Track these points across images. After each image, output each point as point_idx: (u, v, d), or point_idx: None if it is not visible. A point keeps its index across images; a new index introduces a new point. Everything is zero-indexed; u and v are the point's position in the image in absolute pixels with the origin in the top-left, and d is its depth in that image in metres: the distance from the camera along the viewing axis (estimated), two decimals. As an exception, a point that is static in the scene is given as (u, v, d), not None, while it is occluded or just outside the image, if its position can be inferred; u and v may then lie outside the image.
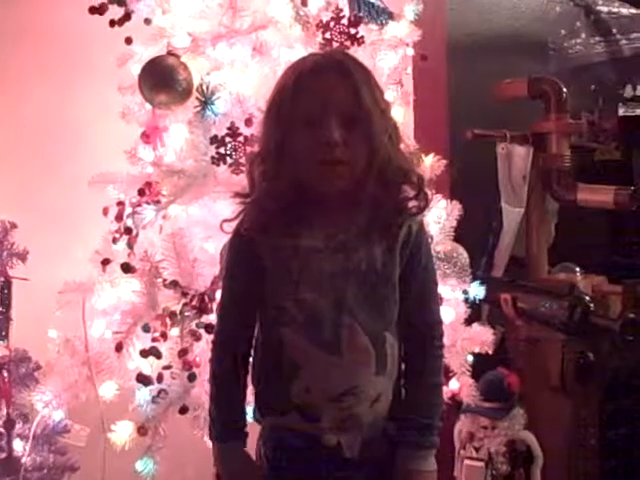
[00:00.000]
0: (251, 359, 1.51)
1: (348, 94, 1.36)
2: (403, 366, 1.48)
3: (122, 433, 1.87)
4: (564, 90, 2.81)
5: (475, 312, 2.20)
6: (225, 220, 1.50)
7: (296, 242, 1.41)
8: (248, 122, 1.87)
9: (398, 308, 1.45)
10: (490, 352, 2.16)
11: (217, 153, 1.87)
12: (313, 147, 1.36)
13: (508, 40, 3.27)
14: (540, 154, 2.82)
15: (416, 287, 1.46)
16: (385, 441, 1.46)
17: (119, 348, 1.84)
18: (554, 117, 2.81)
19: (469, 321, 2.15)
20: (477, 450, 2.47)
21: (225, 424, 1.51)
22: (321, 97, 1.37)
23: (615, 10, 3.44)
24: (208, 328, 1.80)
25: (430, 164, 2.10)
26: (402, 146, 1.45)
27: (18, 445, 1.97)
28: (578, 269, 2.82)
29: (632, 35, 3.41)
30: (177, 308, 1.84)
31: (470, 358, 2.15)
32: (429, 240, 1.56)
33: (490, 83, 2.92)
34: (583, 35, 3.50)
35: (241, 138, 1.86)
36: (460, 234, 2.19)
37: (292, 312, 1.41)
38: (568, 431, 2.48)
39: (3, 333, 1.98)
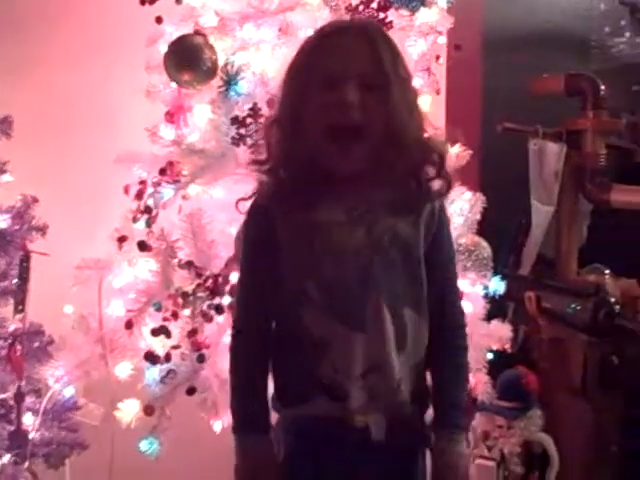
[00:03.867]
0: None
1: (369, 58, 1.34)
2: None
3: (128, 412, 1.86)
4: (602, 87, 2.75)
5: (495, 308, 2.16)
6: (240, 199, 1.45)
7: (316, 216, 1.37)
8: (270, 103, 1.85)
9: (424, 288, 1.40)
10: (509, 349, 2.12)
11: (237, 134, 1.86)
12: (328, 109, 1.32)
13: (548, 35, 3.20)
14: (574, 152, 2.76)
15: (440, 266, 1.44)
16: (409, 426, 1.42)
17: (129, 325, 1.84)
18: (590, 114, 2.75)
19: (489, 317, 2.10)
20: (490, 449, 2.43)
21: (247, 415, 1.43)
22: (341, 58, 1.34)
23: (662, 9, 3.37)
24: (219, 310, 1.78)
25: (456, 153, 2.05)
26: (425, 126, 1.40)
27: (28, 419, 1.96)
28: (608, 271, 2.75)
29: (679, 35, 3.34)
30: (190, 288, 1.83)
31: (490, 356, 2.11)
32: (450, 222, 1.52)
33: (527, 78, 2.86)
34: (627, 34, 3.43)
35: (263, 119, 1.84)
36: (487, 229, 2.15)
37: (313, 292, 1.36)
38: (588, 436, 2.42)
39: (20, 307, 1.98)
